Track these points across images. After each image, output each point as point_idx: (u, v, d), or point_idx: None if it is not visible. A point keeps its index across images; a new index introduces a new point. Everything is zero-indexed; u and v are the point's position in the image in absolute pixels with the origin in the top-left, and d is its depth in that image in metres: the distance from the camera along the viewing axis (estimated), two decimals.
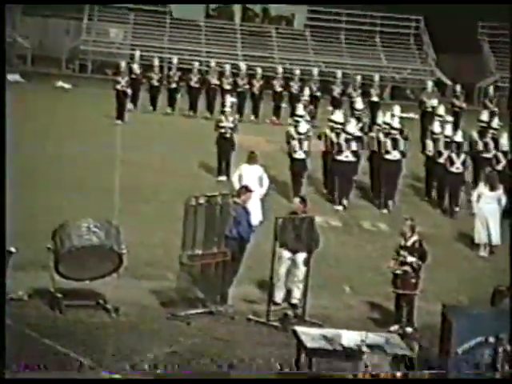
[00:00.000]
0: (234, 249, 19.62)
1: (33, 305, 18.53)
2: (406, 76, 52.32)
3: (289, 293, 19.56)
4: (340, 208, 28.36)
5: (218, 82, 40.38)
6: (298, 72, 40.94)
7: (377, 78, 40.41)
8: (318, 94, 40.26)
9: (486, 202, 24.63)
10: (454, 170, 28.70)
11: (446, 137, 29.97)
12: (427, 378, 15.65)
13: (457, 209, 28.69)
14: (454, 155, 28.75)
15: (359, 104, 36.46)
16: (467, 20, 52.91)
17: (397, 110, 32.70)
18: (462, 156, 28.90)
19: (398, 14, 54.92)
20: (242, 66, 42.29)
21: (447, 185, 29.09)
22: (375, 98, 36.57)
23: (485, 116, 34.27)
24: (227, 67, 41.51)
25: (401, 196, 29.80)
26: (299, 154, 28.80)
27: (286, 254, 19.46)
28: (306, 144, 28.96)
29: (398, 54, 54.98)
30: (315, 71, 41.98)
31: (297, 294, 19.40)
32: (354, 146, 28.70)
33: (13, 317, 17.73)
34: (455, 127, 31.86)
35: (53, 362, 16.33)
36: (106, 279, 18.78)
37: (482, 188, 25.15)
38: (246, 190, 20.73)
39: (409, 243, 19.16)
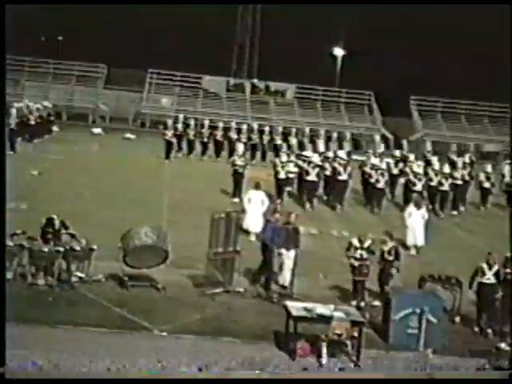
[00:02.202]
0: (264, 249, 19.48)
1: (108, 285, 18.50)
2: (361, 132, 52.29)
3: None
4: (308, 210, 29.13)
5: (236, 137, 39.34)
6: (293, 130, 40.39)
7: (348, 135, 40.21)
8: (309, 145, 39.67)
9: (414, 218, 24.59)
10: (379, 186, 29.97)
11: (374, 165, 31.02)
12: (427, 378, 15.30)
13: (381, 211, 29.72)
14: (380, 177, 29.97)
15: (321, 146, 37.76)
16: (403, 95, 53.14)
17: (347, 148, 36.43)
18: (385, 177, 30.26)
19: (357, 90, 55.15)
20: (255, 126, 41.58)
21: (375, 195, 30.19)
22: (347, 148, 36.50)
23: (398, 153, 35.63)
24: (244, 127, 40.83)
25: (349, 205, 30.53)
26: (281, 175, 29.76)
27: (283, 251, 19.42)
28: (286, 169, 29.95)
29: (356, 117, 54.99)
30: (307, 130, 41.53)
31: (287, 279, 19.36)
32: (316, 170, 29.69)
33: (94, 293, 17.78)
34: (404, 165, 32.67)
35: (121, 324, 16.38)
36: (158, 268, 18.79)
37: (411, 208, 25.12)
38: (276, 212, 20.11)
39: (365, 245, 19.09)
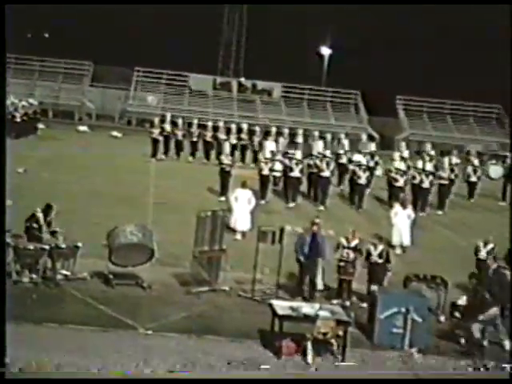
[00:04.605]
0: (306, 261, 18.94)
1: (93, 282, 18.45)
2: (348, 131, 52.30)
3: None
4: (292, 205, 29.45)
5: (225, 137, 37.97)
6: (286, 131, 39.71)
7: (343, 135, 39.60)
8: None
9: (400, 217, 24.58)
10: (360, 182, 30.44)
11: (351, 160, 32.52)
12: (427, 378, 15.29)
13: (363, 206, 30.23)
14: (360, 172, 30.52)
15: (300, 139, 38.56)
16: (389, 94, 53.27)
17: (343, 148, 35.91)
18: (366, 173, 30.69)
19: (344, 89, 55.24)
20: (245, 126, 40.05)
21: (356, 190, 30.66)
22: (341, 151, 36.17)
23: (373, 147, 37.37)
24: (233, 126, 39.51)
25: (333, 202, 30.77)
26: (265, 171, 30.16)
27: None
28: (269, 165, 30.36)
29: (342, 116, 55.13)
30: (300, 131, 40.68)
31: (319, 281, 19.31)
32: (300, 167, 30.18)
33: (79, 291, 17.72)
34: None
35: (106, 322, 16.33)
36: (143, 266, 18.74)
37: (397, 207, 25.14)
38: (314, 224, 19.31)
39: (352, 244, 19.15)
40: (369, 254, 19.01)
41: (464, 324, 17.11)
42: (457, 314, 18.00)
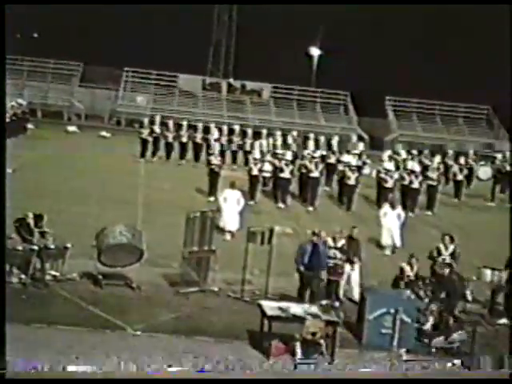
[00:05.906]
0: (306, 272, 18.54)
1: (82, 283, 18.44)
2: (337, 132, 52.34)
3: None
4: (282, 206, 29.56)
5: (216, 137, 37.68)
6: (279, 133, 39.40)
7: (336, 139, 39.46)
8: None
9: (390, 218, 24.64)
10: (350, 182, 30.44)
11: (339, 161, 33.15)
12: (416, 378, 15.31)
13: (352, 206, 30.18)
14: (350, 173, 30.53)
15: (293, 144, 38.17)
16: (379, 95, 53.33)
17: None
18: (356, 174, 30.68)
19: (333, 89, 55.27)
20: (236, 127, 39.78)
21: (345, 191, 30.72)
22: (330, 152, 36.10)
23: (361, 146, 38.12)
24: (224, 128, 39.16)
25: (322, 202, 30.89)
26: (254, 172, 30.14)
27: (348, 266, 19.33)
28: (259, 166, 30.37)
29: (331, 116, 55.16)
30: (294, 133, 40.28)
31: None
32: (290, 168, 30.34)
33: (68, 291, 17.70)
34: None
35: (95, 322, 16.31)
36: (132, 267, 18.73)
37: (387, 208, 25.18)
38: (314, 234, 18.86)
39: (339, 244, 19.20)
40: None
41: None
42: (425, 340, 17.02)
